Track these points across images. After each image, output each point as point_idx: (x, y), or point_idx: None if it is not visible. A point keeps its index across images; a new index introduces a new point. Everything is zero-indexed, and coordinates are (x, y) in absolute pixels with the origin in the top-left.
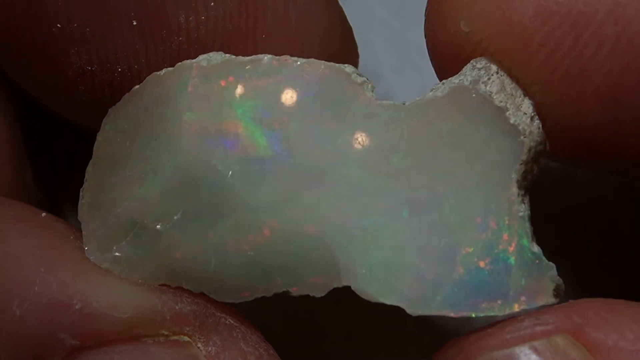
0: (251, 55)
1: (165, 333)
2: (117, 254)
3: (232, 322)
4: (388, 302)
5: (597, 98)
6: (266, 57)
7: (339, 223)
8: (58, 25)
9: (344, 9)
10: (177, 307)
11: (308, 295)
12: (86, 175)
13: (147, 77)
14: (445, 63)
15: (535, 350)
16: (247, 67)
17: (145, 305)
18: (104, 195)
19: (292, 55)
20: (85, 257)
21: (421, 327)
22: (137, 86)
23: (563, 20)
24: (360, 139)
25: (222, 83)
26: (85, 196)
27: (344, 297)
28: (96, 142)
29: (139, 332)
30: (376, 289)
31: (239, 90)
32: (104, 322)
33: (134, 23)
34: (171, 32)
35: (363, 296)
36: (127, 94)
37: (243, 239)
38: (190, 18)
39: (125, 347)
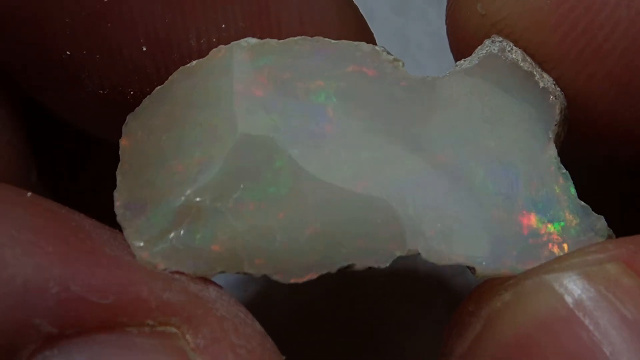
0: None
1: (151, 323)
2: (174, 243)
3: (224, 313)
4: (460, 261)
5: (610, 81)
6: (300, 38)
7: (402, 186)
8: (67, 52)
9: None
10: (164, 296)
11: (312, 286)
12: (117, 179)
13: (173, 74)
14: (463, 45)
15: (586, 276)
16: (285, 46)
17: (130, 291)
18: (146, 191)
19: None
20: (72, 238)
21: (422, 317)
22: (159, 86)
23: (578, 3)
24: (405, 108)
25: (264, 61)
26: (121, 198)
27: (345, 289)
28: (121, 148)
29: (123, 320)
30: (447, 248)
31: (285, 67)
32: (84, 308)
33: (144, 49)
34: (183, 55)
35: (433, 259)
36: (147, 97)
37: (307, 211)
38: (202, 41)
39: (107, 337)
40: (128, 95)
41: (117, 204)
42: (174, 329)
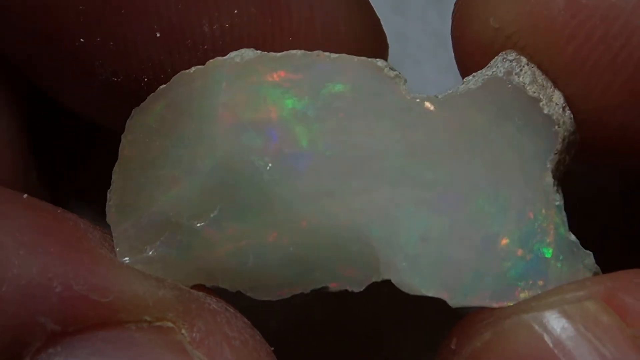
0: None
1: (148, 319)
2: (151, 254)
3: (216, 307)
4: (430, 294)
5: (626, 92)
6: (299, 52)
7: (378, 216)
8: (81, 39)
9: None
10: (159, 293)
11: (319, 292)
12: (113, 177)
13: (174, 77)
14: (473, 59)
15: (565, 314)
16: (280, 63)
17: (128, 289)
18: (135, 196)
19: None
20: (71, 238)
21: (418, 323)
22: (163, 86)
23: (592, 13)
24: (396, 132)
25: (257, 78)
26: (113, 198)
27: (341, 294)
28: (121, 144)
29: (122, 317)
30: (418, 281)
31: (274, 85)
32: (85, 306)
33: (157, 35)
34: (196, 41)
35: (404, 289)
36: (151, 94)
37: (281, 234)
38: (215, 27)
39: (108, 333)
40: (142, 82)
41: (109, 203)
42: (170, 324)
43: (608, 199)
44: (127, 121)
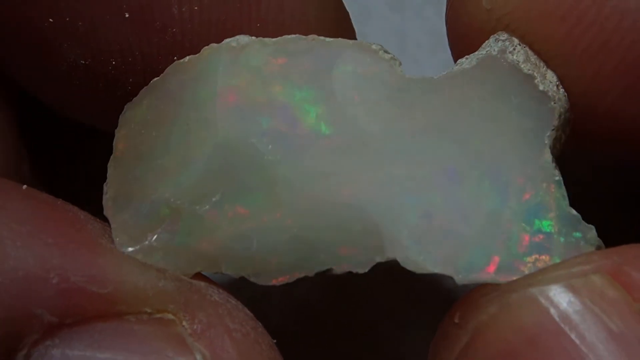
0: None
1: (149, 311)
2: (153, 242)
3: (217, 299)
4: (437, 271)
5: (618, 74)
6: (294, 37)
7: (380, 195)
8: (50, 19)
9: None
10: (160, 284)
11: (309, 284)
12: (108, 171)
13: (167, 68)
14: (466, 42)
15: (572, 288)
16: (277, 46)
17: (127, 280)
18: (132, 187)
19: None
20: (70, 229)
21: (421, 314)
22: (156, 78)
23: None
24: (396, 113)
25: (254, 62)
26: (110, 191)
27: (342, 286)
28: (115, 138)
29: (121, 309)
30: (423, 258)
31: (272, 68)
32: (83, 298)
33: (127, 15)
34: (165, 23)
35: (409, 267)
36: (144, 88)
37: (284, 216)
38: (184, 9)
39: (107, 325)
40: (110, 65)
41: (105, 196)
42: (170, 316)
43: (602, 182)
44: (120, 117)
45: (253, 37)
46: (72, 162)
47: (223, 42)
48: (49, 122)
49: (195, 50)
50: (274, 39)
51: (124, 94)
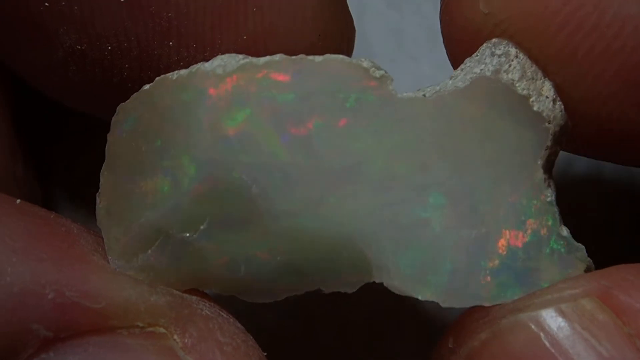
0: (242, 28)
1: (141, 325)
2: (141, 262)
3: (208, 312)
4: (422, 298)
5: (619, 80)
6: (281, 57)
7: (368, 221)
8: (46, 4)
9: None
10: (151, 299)
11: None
12: (101, 179)
13: (157, 79)
14: (462, 46)
15: (562, 313)
16: (263, 71)
17: (119, 295)
18: (124, 203)
19: (283, 27)
20: (64, 244)
21: (417, 317)
22: (146, 86)
23: (585, 1)
24: (384, 135)
25: (240, 89)
26: (102, 201)
27: (340, 293)
28: (108, 143)
29: (114, 323)
30: (410, 284)
31: (258, 94)
32: (77, 313)
33: (122, 0)
34: (160, 8)
35: (396, 292)
36: (135, 93)
37: (272, 244)
38: None
39: (100, 339)
40: (106, 50)
41: (98, 206)
42: (162, 330)
43: (598, 189)
44: (113, 118)
45: (240, 57)
46: (66, 162)
47: (210, 63)
48: (43, 123)
49: (190, 36)
50: (261, 61)
51: (120, 80)
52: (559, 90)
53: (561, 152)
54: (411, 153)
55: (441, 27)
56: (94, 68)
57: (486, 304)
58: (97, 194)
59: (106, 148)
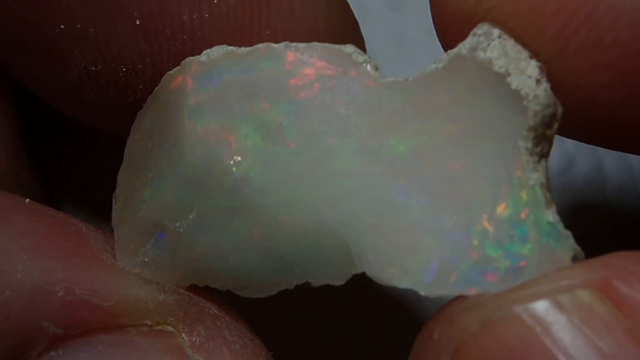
0: None
1: (149, 323)
2: (144, 258)
3: (216, 311)
4: (401, 286)
5: (613, 72)
6: (264, 46)
7: (346, 207)
8: (62, 26)
9: None
10: (160, 297)
11: (306, 285)
12: (118, 181)
13: (163, 77)
14: (453, 35)
15: (558, 305)
16: (245, 59)
17: (129, 294)
18: (131, 200)
19: None
20: (73, 243)
21: (420, 314)
22: (157, 87)
23: None
24: (363, 118)
25: (222, 77)
26: (118, 201)
27: (339, 287)
28: (126, 147)
29: (122, 321)
30: (390, 273)
31: (238, 84)
32: (87, 311)
33: (137, 22)
34: (175, 30)
35: (378, 281)
36: (149, 96)
37: (256, 233)
38: (194, 16)
39: (109, 337)
40: (120, 72)
41: (114, 207)
42: (170, 328)
43: (598, 189)
44: (133, 124)
45: (229, 48)
46: (69, 164)
47: (200, 55)
48: (44, 124)
49: None
50: (245, 50)
51: (133, 101)
52: (552, 77)
53: (561, 152)
54: (389, 136)
55: (432, 17)
56: (108, 89)
57: (470, 293)
58: (113, 195)
59: (125, 151)
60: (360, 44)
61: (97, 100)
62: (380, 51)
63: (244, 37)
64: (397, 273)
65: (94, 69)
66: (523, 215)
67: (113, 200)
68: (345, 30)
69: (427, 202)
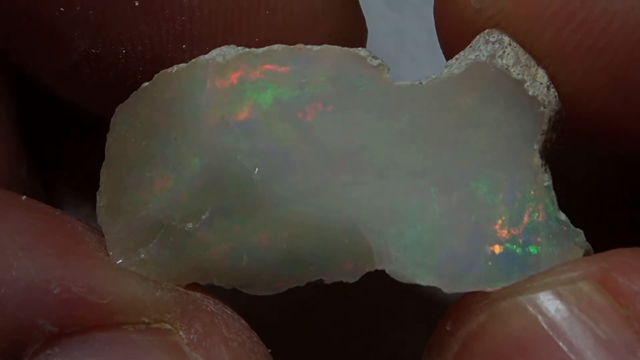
0: (255, 31)
1: (146, 321)
2: (144, 256)
3: (213, 309)
4: (424, 283)
5: (607, 75)
6: (280, 47)
7: (368, 208)
8: (61, 9)
9: None
10: (157, 294)
11: (318, 290)
12: (101, 178)
13: (156, 75)
14: (455, 41)
15: (559, 295)
16: (263, 60)
17: (125, 291)
18: (124, 198)
19: (295, 29)
20: (69, 240)
21: (420, 314)
22: (145, 83)
23: None
24: (382, 122)
25: (240, 78)
26: (103, 199)
27: (341, 286)
28: (107, 143)
29: (119, 319)
30: (411, 270)
31: (257, 83)
32: (83, 308)
33: (136, 4)
34: (174, 11)
35: (398, 279)
36: (135, 92)
37: (274, 232)
38: None
39: (106, 335)
40: (120, 54)
41: (98, 204)
42: (168, 326)
43: (598, 189)
44: (112, 119)
45: (239, 49)
46: (69, 161)
47: (209, 54)
48: (44, 123)
49: (204, 39)
50: (260, 51)
51: (133, 83)
52: (552, 82)
53: (561, 152)
54: (410, 139)
55: (435, 23)
56: (108, 71)
57: (488, 289)
58: (97, 192)
59: (106, 147)
60: (362, 32)
61: (97, 83)
62: (381, 51)
63: (242, 17)
64: (418, 271)
65: (93, 51)
66: (538, 215)
67: (97, 198)
68: (345, 20)
69: (445, 202)
